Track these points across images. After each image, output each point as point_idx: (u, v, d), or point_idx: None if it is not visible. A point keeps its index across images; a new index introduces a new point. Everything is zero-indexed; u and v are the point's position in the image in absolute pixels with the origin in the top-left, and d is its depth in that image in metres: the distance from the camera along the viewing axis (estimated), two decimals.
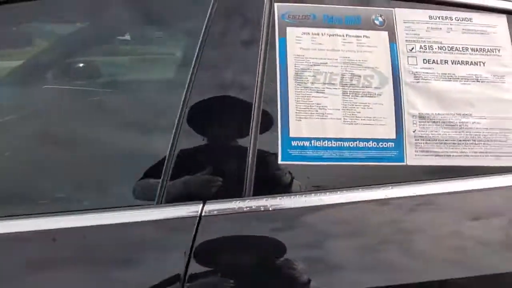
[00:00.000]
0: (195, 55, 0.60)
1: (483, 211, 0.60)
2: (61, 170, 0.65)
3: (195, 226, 0.54)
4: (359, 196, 0.58)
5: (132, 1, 0.71)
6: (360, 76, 0.63)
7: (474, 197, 0.60)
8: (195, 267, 0.53)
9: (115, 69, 0.94)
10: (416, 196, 0.58)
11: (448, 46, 0.66)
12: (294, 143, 0.60)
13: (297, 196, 0.57)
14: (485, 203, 0.61)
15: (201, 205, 0.55)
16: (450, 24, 0.66)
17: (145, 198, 0.59)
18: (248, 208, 0.55)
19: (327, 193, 0.57)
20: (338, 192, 0.57)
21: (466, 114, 0.64)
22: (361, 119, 0.62)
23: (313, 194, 0.57)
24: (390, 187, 0.59)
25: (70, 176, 0.65)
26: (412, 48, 0.65)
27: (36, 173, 0.65)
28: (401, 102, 0.63)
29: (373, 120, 0.62)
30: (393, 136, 0.62)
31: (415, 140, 0.62)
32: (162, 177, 0.57)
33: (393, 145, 0.62)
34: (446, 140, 0.63)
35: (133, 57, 0.94)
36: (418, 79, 0.64)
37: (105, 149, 0.66)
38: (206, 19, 0.62)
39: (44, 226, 0.54)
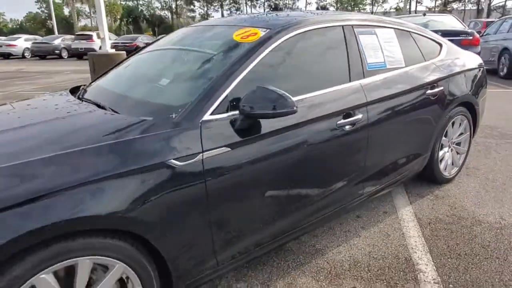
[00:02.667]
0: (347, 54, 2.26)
1: None
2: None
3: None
4: None
5: None
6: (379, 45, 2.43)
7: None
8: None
9: None
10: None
11: (386, 41, 2.53)
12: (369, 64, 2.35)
13: None
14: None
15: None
16: (386, 34, 2.55)
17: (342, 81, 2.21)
18: None
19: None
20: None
21: (391, 53, 2.53)
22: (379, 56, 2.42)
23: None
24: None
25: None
26: (379, 42, 2.50)
27: None
28: (382, 51, 2.46)
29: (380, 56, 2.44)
30: (383, 60, 2.45)
31: (386, 60, 2.47)
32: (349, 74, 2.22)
33: (383, 63, 2.44)
34: (386, 56, 2.50)
35: None
36: (381, 48, 2.49)
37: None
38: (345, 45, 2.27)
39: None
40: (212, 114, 1.65)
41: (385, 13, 63.41)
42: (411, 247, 2.27)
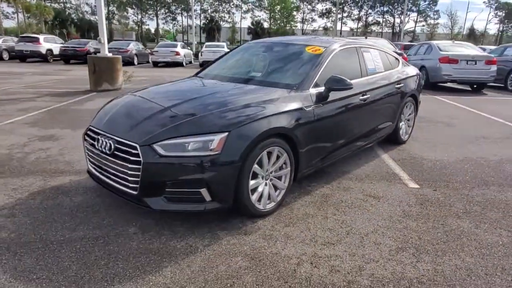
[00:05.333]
0: (359, 62, 4.09)
1: None
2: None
3: None
4: None
5: None
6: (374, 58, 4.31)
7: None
8: None
9: None
10: None
11: (375, 56, 4.42)
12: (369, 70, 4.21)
13: None
14: None
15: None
16: (375, 52, 4.44)
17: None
18: None
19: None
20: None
21: (377, 63, 4.43)
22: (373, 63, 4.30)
23: None
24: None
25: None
26: (372, 56, 4.38)
27: None
28: (373, 62, 4.34)
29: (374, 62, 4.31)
30: (374, 67, 4.32)
31: (376, 67, 4.35)
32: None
33: (374, 69, 4.32)
34: (375, 64, 4.40)
35: None
36: (373, 59, 4.37)
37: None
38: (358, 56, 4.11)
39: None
40: (311, 88, 3.33)
41: (313, 31, 69.01)
42: (393, 168, 4.15)
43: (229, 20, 71.04)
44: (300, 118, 3.09)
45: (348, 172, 4.02)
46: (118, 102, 3.30)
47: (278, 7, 66.38)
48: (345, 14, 66.92)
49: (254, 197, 2.85)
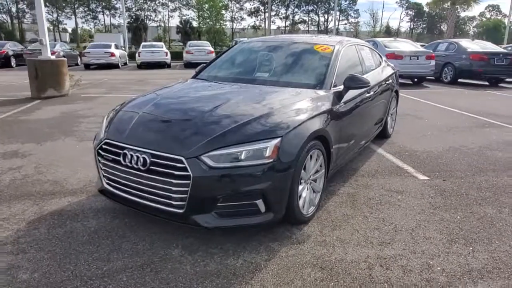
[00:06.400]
0: (359, 59, 4.15)
1: None
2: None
3: None
4: None
5: None
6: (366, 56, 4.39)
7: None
8: None
9: None
10: None
11: (367, 53, 4.52)
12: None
13: None
14: None
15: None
16: (367, 49, 4.53)
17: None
18: None
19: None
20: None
21: (370, 61, 4.53)
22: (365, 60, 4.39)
23: None
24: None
25: None
26: (366, 54, 4.47)
27: None
28: (368, 59, 4.44)
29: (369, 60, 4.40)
30: (369, 64, 4.42)
31: (370, 64, 4.45)
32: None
33: (369, 66, 4.42)
34: (369, 62, 4.50)
35: None
36: (367, 57, 4.47)
37: None
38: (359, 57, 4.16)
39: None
40: (331, 87, 3.29)
41: (243, 29, 69.46)
42: (395, 162, 4.29)
43: (156, 19, 68.50)
44: (331, 118, 3.03)
45: (357, 169, 4.06)
46: (135, 109, 2.93)
47: (207, 5, 65.56)
48: (273, 13, 68.33)
49: (301, 203, 2.72)
